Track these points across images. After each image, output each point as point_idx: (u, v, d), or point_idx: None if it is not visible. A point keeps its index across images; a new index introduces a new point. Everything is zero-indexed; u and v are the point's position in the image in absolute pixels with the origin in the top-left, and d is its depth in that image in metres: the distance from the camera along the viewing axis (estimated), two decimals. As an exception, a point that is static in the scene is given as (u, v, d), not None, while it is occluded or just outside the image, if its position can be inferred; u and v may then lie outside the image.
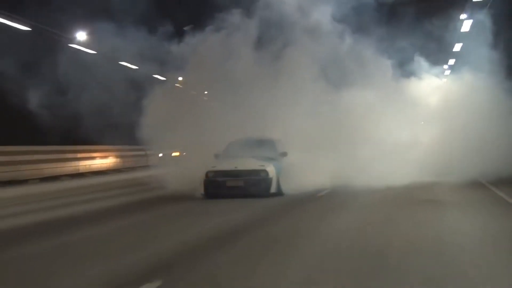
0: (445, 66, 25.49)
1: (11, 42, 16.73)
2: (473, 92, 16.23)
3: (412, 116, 16.68)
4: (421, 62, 18.10)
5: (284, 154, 12.07)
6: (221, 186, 11.01)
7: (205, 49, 15.42)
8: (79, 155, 24.75)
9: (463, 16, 19.12)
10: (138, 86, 17.30)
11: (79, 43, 20.48)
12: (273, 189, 11.01)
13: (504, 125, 14.28)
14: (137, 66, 21.27)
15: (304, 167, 12.69)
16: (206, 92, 17.69)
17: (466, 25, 19.60)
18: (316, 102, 15.22)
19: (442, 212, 8.51)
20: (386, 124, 15.47)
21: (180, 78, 18.61)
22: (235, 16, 15.15)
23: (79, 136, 19.49)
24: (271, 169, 11.08)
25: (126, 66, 20.95)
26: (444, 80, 23.11)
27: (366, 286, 4.38)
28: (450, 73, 24.74)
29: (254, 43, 15.34)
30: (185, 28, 17.18)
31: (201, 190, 11.21)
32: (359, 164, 13.76)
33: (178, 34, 15.64)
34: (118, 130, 17.95)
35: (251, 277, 4.85)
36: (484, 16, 17.61)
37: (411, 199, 10.33)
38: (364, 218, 8.29)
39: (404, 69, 17.57)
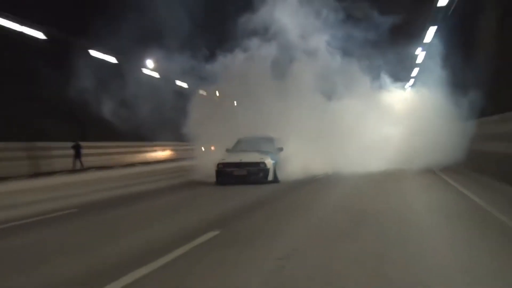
0: (408, 83, 24.95)
1: (101, 69, 17.05)
2: (427, 102, 15.67)
3: (385, 119, 15.98)
4: (391, 79, 17.69)
5: (280, 149, 11.37)
6: (229, 175, 10.42)
7: (232, 67, 14.73)
8: (147, 149, 24.81)
9: (418, 50, 19.36)
10: (185, 97, 16.51)
11: (146, 68, 20.86)
12: (270, 177, 10.40)
13: (448, 128, 13.37)
14: (184, 82, 21.13)
15: (300, 159, 12.05)
16: (233, 100, 16.57)
17: (421, 57, 19.90)
18: (314, 108, 14.38)
19: (401, 186, 9.12)
20: (366, 125, 14.92)
21: (215, 91, 17.17)
22: (253, 42, 14.44)
23: (146, 135, 19.42)
24: (268, 161, 10.48)
25: (176, 83, 21.01)
26: (407, 92, 22.30)
27: (356, 227, 4.87)
28: (411, 88, 24.39)
29: (268, 62, 14.65)
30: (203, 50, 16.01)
31: (214, 178, 10.60)
32: (345, 156, 13.25)
33: (213, 57, 14.70)
34: (172, 130, 17.15)
35: (279, 226, 5.22)
36: (433, 50, 17.05)
37: (383, 179, 10.40)
38: (351, 192, 8.49)
39: (379, 83, 16.89)
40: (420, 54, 19.51)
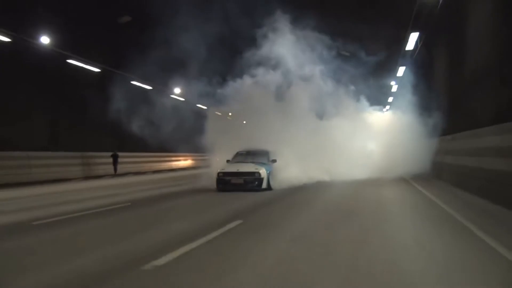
0: (385, 107, 25.27)
1: (139, 94, 17.73)
2: (400, 122, 15.81)
3: (367, 136, 15.97)
4: (372, 104, 17.83)
5: (274, 161, 10.83)
6: (227, 183, 9.98)
7: (240, 91, 14.37)
8: (171, 159, 24.80)
9: (392, 82, 19.85)
10: (203, 117, 15.99)
11: (173, 93, 21.55)
12: (264, 185, 9.91)
13: (417, 144, 13.44)
14: (203, 104, 20.98)
15: (295, 170, 11.63)
16: (242, 119, 15.99)
17: (394, 87, 20.45)
18: (308, 126, 14.10)
19: (381, 189, 9.53)
20: (352, 140, 14.73)
21: (227, 111, 16.84)
22: (258, 70, 14.19)
23: (171, 147, 19.45)
24: (263, 171, 10.01)
25: (196, 105, 21.32)
26: (385, 114, 22.29)
27: (346, 220, 5.40)
28: (388, 110, 24.53)
29: (270, 87, 14.37)
30: None
31: (215, 185, 10.11)
32: (335, 167, 13.18)
33: (225, 83, 14.41)
34: (192, 144, 16.60)
35: (287, 217, 5.70)
36: (403, 82, 17.28)
37: (366, 184, 10.77)
38: (340, 194, 9.07)
39: (362, 106, 16.83)
40: (394, 85, 20.06)
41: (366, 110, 16.86)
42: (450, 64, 10.77)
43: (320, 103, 14.93)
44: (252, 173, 10.00)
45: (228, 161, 11.22)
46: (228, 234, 4.61)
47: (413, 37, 13.01)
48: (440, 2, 9.99)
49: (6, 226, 5.62)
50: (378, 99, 20.03)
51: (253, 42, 13.51)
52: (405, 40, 13.57)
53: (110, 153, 18.90)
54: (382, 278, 2.92)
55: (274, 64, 14.21)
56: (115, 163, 19.12)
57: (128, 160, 20.13)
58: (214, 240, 4.29)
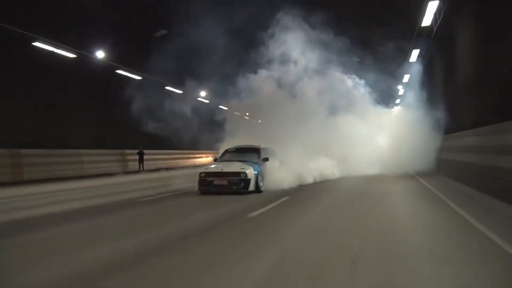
0: (396, 102, 26.25)
1: (171, 97, 19.32)
2: (409, 118, 16.32)
3: (377, 133, 16.64)
4: (382, 100, 18.62)
5: (266, 160, 10.03)
6: (210, 184, 9.17)
7: (256, 89, 14.70)
8: (195, 155, 26.51)
9: (399, 86, 21.66)
10: (224, 116, 16.88)
11: (199, 96, 23.88)
12: (251, 187, 9.03)
13: (424, 139, 13.96)
14: (224, 105, 23.50)
15: (313, 165, 11.69)
16: (258, 117, 16.32)
17: (401, 91, 22.14)
18: (320, 122, 14.36)
19: (388, 182, 10.91)
20: (362, 137, 15.38)
21: (245, 111, 17.76)
22: (275, 68, 14.62)
23: (194, 145, 20.91)
24: (249, 171, 9.11)
25: (218, 106, 23.11)
26: (394, 110, 23.59)
27: (360, 197, 7.64)
28: (398, 106, 24.98)
29: (283, 83, 14.70)
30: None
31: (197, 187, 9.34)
32: (347, 163, 13.66)
33: (241, 83, 14.81)
34: (213, 141, 17.22)
35: (318, 197, 7.98)
36: (409, 87, 18.74)
37: (375, 178, 11.99)
38: (355, 183, 10.67)
39: (373, 101, 17.61)
40: (400, 89, 22.17)
41: (376, 109, 17.74)
42: (445, 74, 13.00)
43: (332, 100, 15.25)
44: (237, 174, 9.16)
45: (215, 159, 10.81)
46: (283, 203, 7.16)
47: (415, 53, 15.15)
48: (434, 30, 12.23)
49: (118, 203, 7.91)
50: (387, 102, 21.40)
51: (269, 41, 14.16)
52: (408, 55, 15.67)
53: (136, 151, 21.19)
54: (381, 224, 5.27)
55: (288, 63, 14.76)
56: (141, 159, 21.43)
57: (157, 157, 22.67)
58: (276, 206, 6.82)
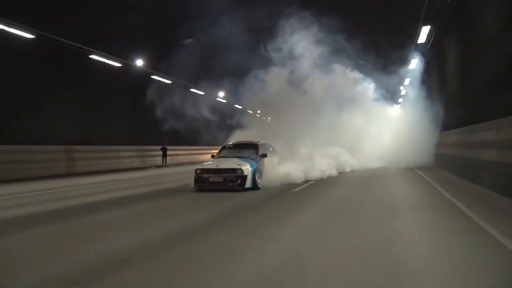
0: (399, 101, 27.63)
1: (195, 98, 22.06)
2: (410, 115, 17.73)
3: (380, 127, 17.94)
4: (387, 98, 20.04)
5: (264, 156, 10.19)
6: (205, 181, 9.25)
7: (261, 88, 15.63)
8: (212, 151, 30.05)
9: (401, 87, 23.95)
10: (239, 114, 19.23)
11: (218, 97, 26.73)
12: (248, 184, 9.08)
13: (425, 136, 15.06)
14: (238, 104, 24.87)
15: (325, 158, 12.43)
16: (268, 115, 18.25)
17: (403, 92, 24.02)
18: (327, 116, 15.05)
19: (390, 173, 13.11)
20: (368, 131, 16.71)
21: (258, 109, 19.93)
22: (288, 66, 15.52)
23: (212, 141, 22.29)
24: (246, 168, 9.16)
25: (234, 105, 25.71)
26: (398, 107, 25.75)
27: (370, 180, 10.36)
28: (400, 105, 26.53)
29: (291, 80, 15.60)
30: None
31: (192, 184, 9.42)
32: (354, 157, 14.86)
33: (255, 81, 15.90)
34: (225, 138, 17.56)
35: (333, 185, 10.48)
36: (409, 88, 20.75)
37: (378, 171, 13.93)
38: (363, 172, 13.23)
39: (378, 100, 18.90)
40: (402, 90, 24.53)
41: (381, 105, 19.12)
42: (440, 80, 15.68)
43: (340, 96, 16.24)
44: (233, 170, 9.23)
45: (213, 156, 10.88)
46: (313, 184, 10.02)
47: (414, 62, 17.82)
48: (429, 42, 14.99)
49: (170, 190, 9.84)
50: (390, 101, 22.82)
51: (281, 41, 15.34)
52: (409, 61, 18.38)
53: (159, 147, 23.87)
54: (383, 194, 8.14)
55: (298, 60, 15.76)
56: (164, 155, 24.15)
57: (178, 152, 25.55)
58: (307, 187, 9.65)
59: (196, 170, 9.45)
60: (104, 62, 17.02)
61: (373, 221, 5.32)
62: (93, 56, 16.25)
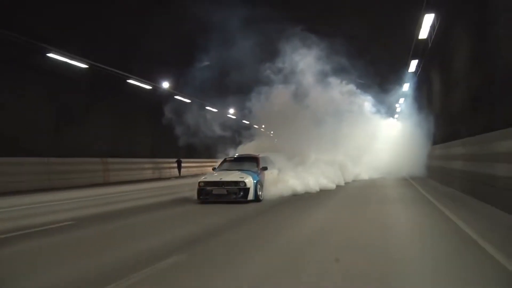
0: (394, 116, 29.44)
1: (208, 115, 24.39)
2: (405, 129, 19.78)
3: (378, 142, 19.25)
4: (384, 112, 21.99)
5: (265, 168, 10.58)
6: (209, 193, 9.61)
7: (266, 104, 16.47)
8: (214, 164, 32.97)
9: (397, 105, 27.02)
10: (247, 129, 20.87)
11: (228, 113, 29.35)
12: (250, 196, 9.44)
13: (418, 149, 16.67)
14: (246, 120, 26.78)
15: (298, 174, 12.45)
16: (272, 129, 19.16)
17: (399, 108, 27.24)
18: (328, 129, 16.05)
19: (387, 183, 15.06)
20: (366, 145, 17.86)
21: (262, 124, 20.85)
22: (293, 83, 16.53)
23: (225, 154, 25.62)
24: (249, 181, 9.53)
25: (242, 121, 28.18)
26: (393, 121, 27.55)
27: (365, 189, 13.23)
28: (396, 120, 28.39)
29: (294, 98, 16.45)
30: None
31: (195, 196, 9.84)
32: (353, 168, 16.12)
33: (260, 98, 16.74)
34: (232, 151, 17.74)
35: (339, 192, 13.25)
36: (404, 106, 23.44)
37: (375, 181, 16.01)
38: (362, 184, 15.11)
39: (375, 114, 20.61)
40: (398, 107, 27.76)
41: (378, 120, 20.88)
42: (429, 100, 18.67)
43: (340, 111, 17.31)
44: (236, 183, 9.57)
45: (214, 168, 11.24)
46: (322, 191, 12.76)
47: (406, 85, 20.92)
48: (418, 71, 18.05)
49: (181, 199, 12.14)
50: (389, 111, 25.67)
51: (286, 63, 16.74)
52: (402, 83, 21.47)
53: (175, 159, 26.67)
54: (381, 194, 11.07)
55: (301, 78, 16.96)
56: (179, 167, 27.00)
57: (192, 164, 28.44)
58: (317, 193, 12.43)
59: (199, 183, 9.82)
60: (137, 85, 19.97)
61: (374, 205, 8.53)
62: (130, 81, 19.19)
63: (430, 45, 14.71)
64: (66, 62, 15.52)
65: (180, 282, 3.71)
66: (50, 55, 14.75)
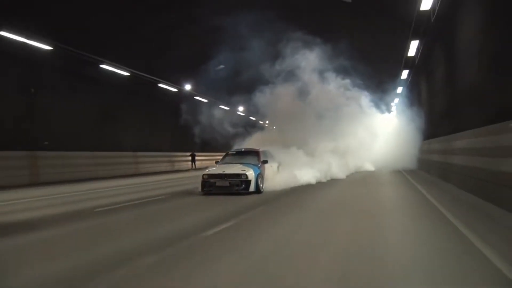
0: (390, 112, 30.33)
1: (222, 113, 27.86)
2: (399, 124, 21.67)
3: (373, 136, 20.53)
4: (381, 109, 23.86)
5: (265, 162, 11.27)
6: (212, 185, 10.29)
7: (272, 102, 17.72)
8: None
9: (393, 104, 30.51)
10: (253, 125, 25.79)
11: (239, 111, 32.76)
12: (251, 188, 10.13)
13: (410, 142, 18.40)
14: (253, 116, 31.41)
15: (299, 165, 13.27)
16: (276, 126, 21.28)
17: (393, 108, 30.38)
18: (327, 123, 17.17)
19: (381, 175, 17.14)
20: (363, 140, 19.18)
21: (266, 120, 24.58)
22: (296, 84, 17.77)
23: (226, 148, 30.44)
24: (250, 173, 10.21)
25: (250, 118, 32.72)
26: (389, 116, 28.40)
27: (364, 179, 16.42)
28: (391, 118, 28.40)
29: (297, 95, 17.68)
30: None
31: (199, 188, 10.54)
32: (349, 162, 17.45)
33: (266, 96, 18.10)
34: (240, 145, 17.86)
35: (335, 184, 16.07)
36: (399, 106, 26.52)
37: (372, 173, 18.16)
38: (355, 178, 16.18)
39: (373, 110, 22.25)
40: (393, 106, 31.12)
41: (374, 115, 22.54)
42: (419, 103, 22.08)
43: (339, 107, 18.51)
44: (238, 175, 10.22)
45: (216, 162, 11.90)
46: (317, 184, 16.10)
47: (399, 89, 24.34)
48: (410, 78, 21.50)
49: None
50: (385, 108, 27.94)
51: (290, 64, 18.19)
52: (396, 87, 24.86)
53: (189, 153, 30.04)
54: (375, 182, 14.46)
55: (306, 78, 18.20)
56: (193, 160, 30.43)
57: (204, 158, 31.72)
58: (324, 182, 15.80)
59: (203, 175, 10.55)
60: (163, 88, 23.27)
61: (371, 187, 11.92)
62: (160, 85, 22.49)
63: (416, 61, 18.13)
64: (112, 71, 18.77)
65: (238, 236, 5.58)
66: (103, 66, 17.97)
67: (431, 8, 12.41)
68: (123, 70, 19.33)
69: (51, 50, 16.01)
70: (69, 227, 6.60)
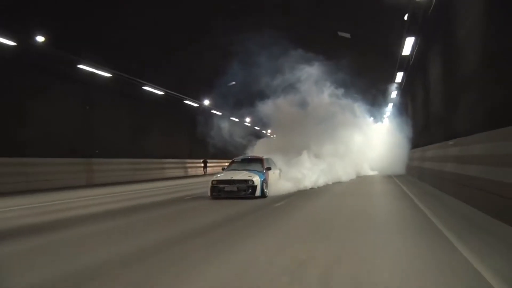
0: (383, 120, 34.45)
1: (231, 124, 32.00)
2: (390, 132, 23.51)
3: (366, 143, 22.43)
4: (375, 117, 28.05)
5: (269, 169, 11.94)
6: (221, 190, 10.98)
7: (274, 112, 19.42)
8: None
9: (386, 113, 34.05)
10: (257, 134, 29.15)
11: (245, 121, 36.76)
12: (257, 193, 10.82)
13: (400, 150, 20.40)
14: (257, 126, 36.15)
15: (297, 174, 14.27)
16: (277, 134, 24.03)
17: (386, 120, 33.97)
18: (327, 133, 18.49)
19: (375, 179, 20.24)
20: (358, 147, 20.99)
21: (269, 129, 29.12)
22: (297, 96, 19.34)
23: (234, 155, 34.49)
24: (256, 179, 10.93)
25: (255, 127, 36.65)
26: (382, 124, 32.28)
27: (359, 184, 20.22)
28: (383, 125, 32.26)
29: (298, 104, 19.36)
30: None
31: (209, 193, 11.21)
32: (341, 167, 18.65)
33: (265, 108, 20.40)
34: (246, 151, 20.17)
35: (332, 188, 19.54)
36: (391, 116, 29.61)
37: (366, 178, 20.82)
38: (353, 182, 19.27)
39: (366, 117, 24.76)
40: (385, 117, 34.84)
41: (369, 126, 25.09)
42: (408, 112, 26.03)
43: (334, 114, 19.89)
44: (245, 181, 10.98)
45: (223, 168, 12.65)
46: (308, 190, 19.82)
47: (393, 94, 28.29)
48: (403, 84, 25.51)
49: None
50: (378, 117, 32.81)
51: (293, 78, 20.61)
52: (388, 97, 28.86)
53: (201, 160, 33.86)
54: (368, 183, 18.27)
55: (307, 90, 19.89)
56: (205, 166, 34.17)
57: (215, 164, 35.24)
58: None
59: (212, 181, 11.32)
60: (190, 104, 27.18)
61: (366, 186, 15.80)
62: (186, 101, 26.42)
63: (402, 86, 22.16)
64: (150, 91, 22.68)
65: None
66: (146, 88, 21.85)
67: (410, 53, 17.02)
68: (158, 90, 23.23)
69: (110, 76, 19.92)
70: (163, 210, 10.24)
